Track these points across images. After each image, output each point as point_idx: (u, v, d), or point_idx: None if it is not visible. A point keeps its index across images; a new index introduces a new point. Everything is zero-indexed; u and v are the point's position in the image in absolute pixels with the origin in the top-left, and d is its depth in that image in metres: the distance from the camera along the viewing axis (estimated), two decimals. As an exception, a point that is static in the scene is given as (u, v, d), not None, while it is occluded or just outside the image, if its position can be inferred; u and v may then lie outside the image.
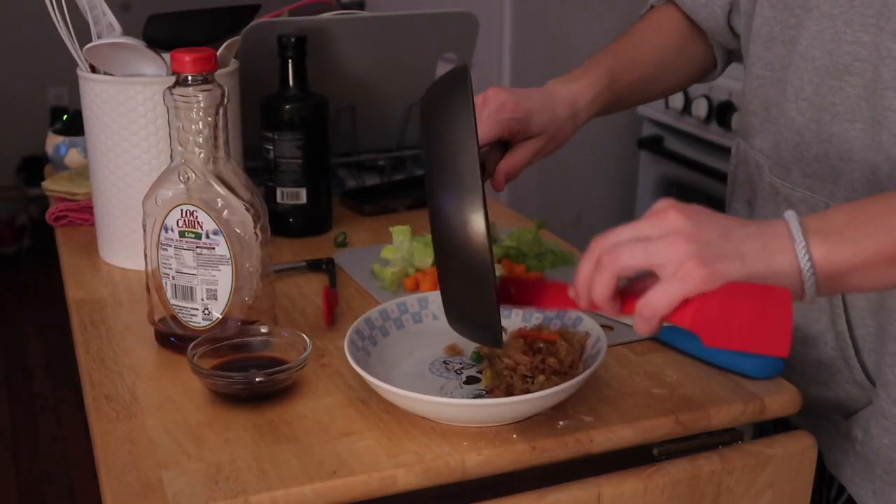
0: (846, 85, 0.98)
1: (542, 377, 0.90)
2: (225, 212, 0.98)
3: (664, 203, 0.80)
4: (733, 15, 1.19)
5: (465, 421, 0.87)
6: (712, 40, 1.23)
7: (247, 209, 0.99)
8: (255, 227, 0.99)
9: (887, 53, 0.94)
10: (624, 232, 0.79)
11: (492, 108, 1.02)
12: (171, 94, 0.97)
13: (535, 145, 1.06)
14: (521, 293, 0.89)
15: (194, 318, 1.00)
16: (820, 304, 1.04)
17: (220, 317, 1.00)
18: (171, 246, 0.99)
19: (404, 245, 1.17)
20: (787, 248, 0.77)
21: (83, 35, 1.22)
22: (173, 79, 0.98)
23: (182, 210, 0.98)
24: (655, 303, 0.76)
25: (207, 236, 0.98)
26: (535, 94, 1.06)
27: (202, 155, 0.99)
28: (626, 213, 2.63)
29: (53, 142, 1.54)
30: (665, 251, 0.76)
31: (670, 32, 1.23)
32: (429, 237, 1.01)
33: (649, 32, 1.23)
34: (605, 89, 1.12)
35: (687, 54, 1.23)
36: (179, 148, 0.99)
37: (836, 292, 0.80)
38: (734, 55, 1.26)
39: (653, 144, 2.48)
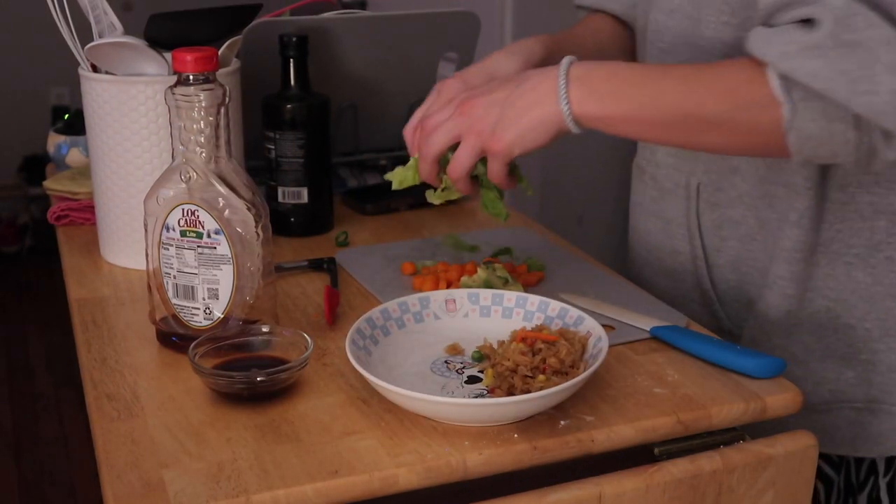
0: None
1: (542, 377, 0.90)
2: (226, 211, 0.98)
3: (454, 88, 1.05)
4: None
5: (466, 420, 0.87)
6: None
7: (248, 208, 0.99)
8: (256, 227, 0.99)
9: (735, 44, 1.07)
10: (430, 118, 1.03)
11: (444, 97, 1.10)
12: (173, 94, 0.97)
13: None
14: None
15: (196, 318, 1.00)
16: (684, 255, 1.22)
17: (222, 316, 1.00)
18: (172, 245, 0.99)
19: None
20: (554, 95, 0.98)
21: (85, 34, 1.22)
22: (175, 78, 0.98)
23: (183, 209, 0.98)
24: (461, 159, 1.02)
25: (209, 236, 0.98)
26: (482, 76, 1.11)
27: (203, 154, 0.99)
28: (627, 213, 2.62)
29: (55, 141, 1.54)
30: (475, 143, 1.00)
31: (605, 28, 1.30)
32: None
33: (585, 26, 1.31)
34: (547, 56, 1.16)
35: (620, 45, 1.29)
36: (181, 147, 0.99)
37: (596, 129, 1.00)
38: None
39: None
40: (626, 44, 1.29)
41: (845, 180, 1.08)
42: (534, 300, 1.02)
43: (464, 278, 1.12)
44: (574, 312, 0.99)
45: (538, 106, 0.98)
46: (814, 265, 1.11)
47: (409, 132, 1.08)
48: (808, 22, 0.89)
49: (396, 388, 0.86)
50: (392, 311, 1.01)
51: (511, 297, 1.03)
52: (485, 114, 1.00)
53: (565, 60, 0.99)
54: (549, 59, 1.15)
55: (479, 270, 1.12)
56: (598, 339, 0.94)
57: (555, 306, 1.01)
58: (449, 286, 1.12)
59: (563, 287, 1.15)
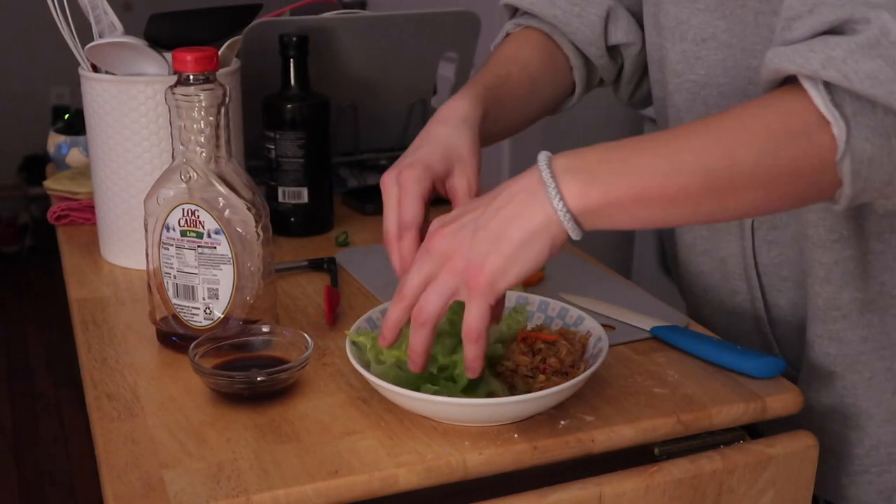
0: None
1: (542, 377, 0.90)
2: (226, 211, 0.98)
3: (434, 226, 0.84)
4: (610, 26, 1.15)
5: (466, 420, 0.87)
6: (575, 61, 1.16)
7: (248, 208, 0.99)
8: (256, 227, 0.99)
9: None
10: (413, 279, 0.83)
11: (411, 190, 0.95)
12: (173, 94, 0.97)
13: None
14: None
15: (196, 318, 1.00)
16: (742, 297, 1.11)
17: (222, 316, 1.00)
18: (172, 245, 0.99)
19: None
20: (541, 197, 0.79)
21: (85, 34, 1.22)
22: (175, 78, 0.98)
23: (183, 209, 0.98)
24: (469, 323, 0.81)
25: (209, 235, 0.98)
26: (437, 155, 0.97)
27: (204, 154, 0.99)
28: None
29: (55, 141, 1.54)
30: (451, 280, 0.81)
31: (533, 49, 1.15)
32: None
33: (513, 50, 1.15)
34: (484, 113, 1.02)
35: (552, 67, 1.15)
36: (181, 147, 0.99)
37: (601, 227, 0.81)
38: (593, 79, 1.20)
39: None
40: (562, 68, 1.15)
41: (881, 227, 0.97)
42: (534, 300, 1.02)
43: None
44: (574, 312, 0.99)
45: (520, 217, 0.79)
46: (865, 325, 1.00)
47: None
48: (837, 32, 0.79)
49: (397, 388, 0.86)
50: None
51: (511, 297, 1.03)
52: (452, 244, 0.81)
53: (542, 156, 0.81)
54: (487, 116, 1.02)
55: None
56: (598, 339, 0.94)
57: (555, 306, 1.01)
58: None
59: (563, 287, 1.15)
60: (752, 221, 1.07)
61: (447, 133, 0.97)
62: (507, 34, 1.19)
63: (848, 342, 1.02)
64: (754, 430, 0.98)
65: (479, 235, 0.80)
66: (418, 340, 0.84)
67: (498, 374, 0.92)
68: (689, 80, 1.08)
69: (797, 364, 1.10)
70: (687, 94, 1.08)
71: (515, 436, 0.87)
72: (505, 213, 0.80)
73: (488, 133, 1.03)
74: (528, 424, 0.88)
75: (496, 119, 1.05)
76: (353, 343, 0.92)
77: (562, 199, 0.79)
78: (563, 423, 0.89)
